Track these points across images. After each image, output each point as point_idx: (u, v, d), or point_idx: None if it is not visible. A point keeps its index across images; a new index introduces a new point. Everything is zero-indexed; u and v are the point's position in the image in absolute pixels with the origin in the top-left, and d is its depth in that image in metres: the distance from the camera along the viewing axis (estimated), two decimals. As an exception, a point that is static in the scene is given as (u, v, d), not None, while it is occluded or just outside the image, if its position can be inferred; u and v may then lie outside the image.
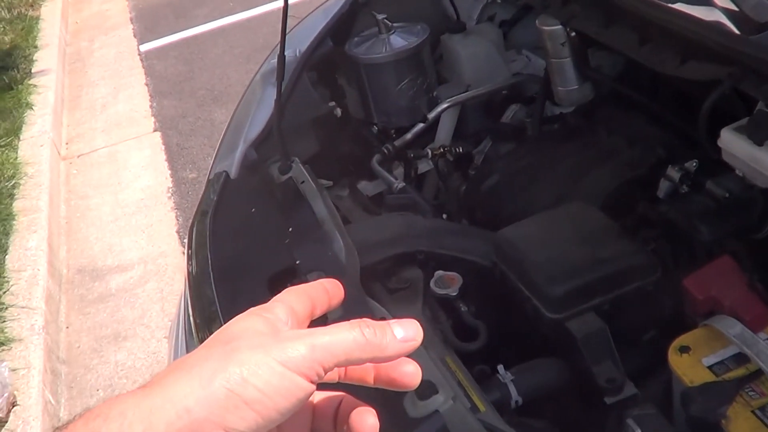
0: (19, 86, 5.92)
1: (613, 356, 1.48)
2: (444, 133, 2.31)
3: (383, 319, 1.49)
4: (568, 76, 1.98)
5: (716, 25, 1.52)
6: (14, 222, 4.31)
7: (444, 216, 2.09)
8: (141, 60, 6.56)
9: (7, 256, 4.02)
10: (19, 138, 5.24)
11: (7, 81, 5.99)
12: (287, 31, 2.22)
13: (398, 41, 2.23)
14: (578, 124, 2.10)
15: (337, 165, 2.24)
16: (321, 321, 0.68)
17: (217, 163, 2.09)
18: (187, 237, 1.94)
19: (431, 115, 2.24)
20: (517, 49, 2.45)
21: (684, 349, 1.43)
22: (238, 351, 0.58)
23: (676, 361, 1.43)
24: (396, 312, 1.62)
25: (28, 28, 7.10)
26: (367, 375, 0.67)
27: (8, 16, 7.32)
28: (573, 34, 1.90)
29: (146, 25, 7.21)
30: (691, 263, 1.69)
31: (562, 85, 2.01)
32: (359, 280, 1.61)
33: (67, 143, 5.58)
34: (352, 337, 0.61)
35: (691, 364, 1.41)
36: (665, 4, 1.61)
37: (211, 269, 1.72)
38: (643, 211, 1.79)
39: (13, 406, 3.06)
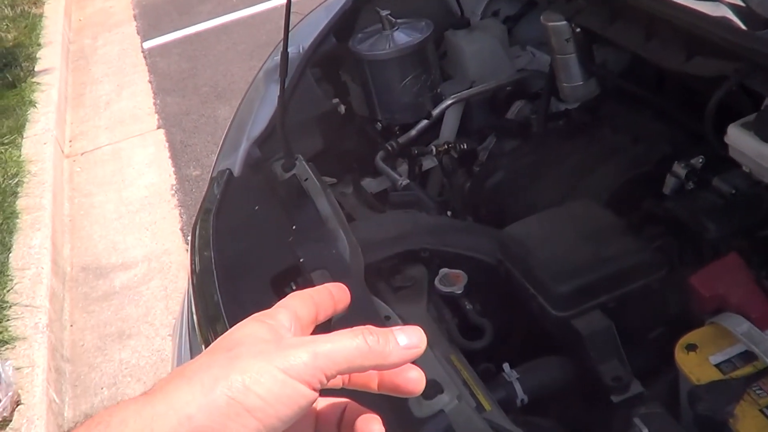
0: (23, 84, 5.91)
1: (620, 354, 1.47)
2: (448, 130, 2.30)
3: (388, 318, 1.49)
4: (573, 72, 1.97)
5: (722, 21, 1.51)
6: (18, 220, 4.30)
7: (448, 213, 2.08)
8: (144, 57, 6.55)
9: (10, 255, 4.01)
10: (22, 136, 5.23)
11: (10, 79, 5.98)
12: (290, 27, 2.22)
13: (402, 37, 2.21)
14: (583, 121, 2.09)
15: (341, 162, 2.23)
16: (326, 325, 0.67)
17: (221, 160, 2.08)
18: (190, 235, 1.93)
19: (435, 112, 2.23)
20: (522, 44, 2.44)
21: (691, 347, 1.42)
22: (240, 358, 0.58)
23: (682, 359, 1.42)
24: (401, 310, 1.61)
25: (31, 25, 7.09)
26: (371, 381, 0.66)
27: (11, 14, 7.31)
28: (578, 30, 1.89)
29: (149, 22, 7.20)
30: (697, 260, 1.68)
31: (567, 82, 2.00)
32: (364, 279, 1.60)
33: (70, 141, 5.57)
34: (355, 345, 0.60)
35: (698, 362, 1.40)
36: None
37: (214, 268, 1.71)
38: (649, 208, 1.78)
39: (18, 405, 3.06)
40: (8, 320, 3.53)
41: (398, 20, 2.25)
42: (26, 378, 3.21)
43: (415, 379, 0.65)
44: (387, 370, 0.64)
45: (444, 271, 1.67)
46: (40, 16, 7.38)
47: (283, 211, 1.82)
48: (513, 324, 1.65)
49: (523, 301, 1.58)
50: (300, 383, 0.58)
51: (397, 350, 0.62)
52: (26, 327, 3.51)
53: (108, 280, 4.08)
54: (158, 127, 5.43)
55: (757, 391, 1.30)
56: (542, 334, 1.58)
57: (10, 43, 6.71)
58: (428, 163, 2.27)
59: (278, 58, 2.22)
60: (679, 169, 1.78)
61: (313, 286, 1.48)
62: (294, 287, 1.59)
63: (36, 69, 6.25)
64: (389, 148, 2.19)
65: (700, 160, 1.77)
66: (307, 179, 1.84)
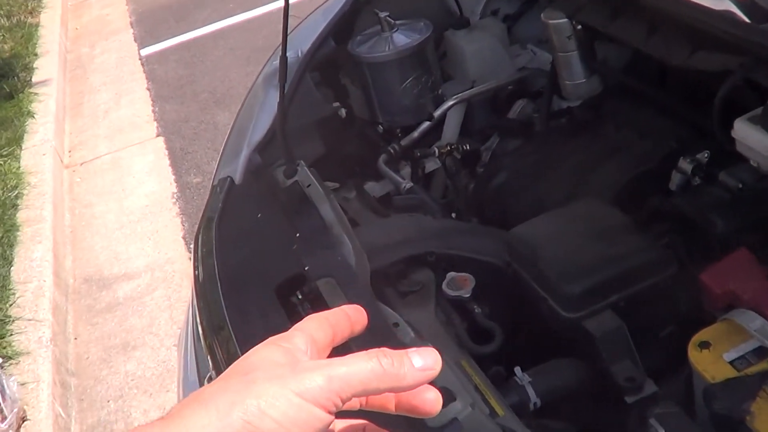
0: (20, 95, 5.89)
1: (632, 354, 1.46)
2: (450, 131, 2.28)
3: (396, 325, 1.47)
4: (575, 70, 1.95)
5: (726, 15, 1.49)
6: (18, 233, 4.28)
7: (453, 215, 2.06)
8: (142, 64, 6.54)
9: (12, 268, 3.99)
10: (21, 147, 5.21)
11: (7, 90, 5.96)
12: (288, 31, 2.20)
13: (401, 39, 2.20)
14: (586, 118, 2.07)
15: (343, 166, 2.21)
16: (344, 347, 0.66)
17: (221, 168, 2.06)
18: (193, 244, 1.90)
19: (437, 113, 2.21)
20: (522, 43, 2.42)
21: (704, 345, 1.41)
22: (255, 383, 0.59)
23: (696, 357, 1.40)
24: (408, 316, 1.59)
25: (27, 35, 7.07)
26: (388, 402, 0.66)
27: (7, 24, 7.30)
28: (579, 27, 1.87)
29: (146, 29, 7.18)
30: (705, 256, 1.67)
31: (570, 79, 1.98)
32: (370, 285, 1.58)
33: (69, 151, 5.56)
34: (370, 368, 0.61)
35: (711, 359, 1.38)
36: (673, -7, 1.58)
37: (218, 277, 1.69)
38: (656, 204, 1.76)
39: (24, 421, 3.03)
40: (11, 335, 3.50)
41: (397, 22, 2.23)
42: (31, 393, 3.18)
43: (431, 400, 0.65)
44: (402, 392, 0.64)
45: (451, 274, 1.65)
46: (37, 25, 7.36)
47: (286, 218, 1.79)
48: (522, 326, 1.63)
49: (532, 303, 1.57)
50: (315, 406, 0.58)
51: (412, 372, 0.62)
52: (30, 341, 3.48)
53: (111, 291, 4.06)
54: (157, 135, 5.40)
55: (773, 387, 1.29)
56: (552, 336, 1.57)
57: (7, 54, 6.69)
58: (431, 165, 2.26)
59: (277, 63, 2.20)
60: (685, 164, 1.76)
61: (319, 294, 1.46)
62: (300, 296, 1.57)
63: (33, 79, 6.23)
64: (392, 151, 2.17)
65: (706, 155, 1.75)
66: (309, 185, 1.82)
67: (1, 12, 7.50)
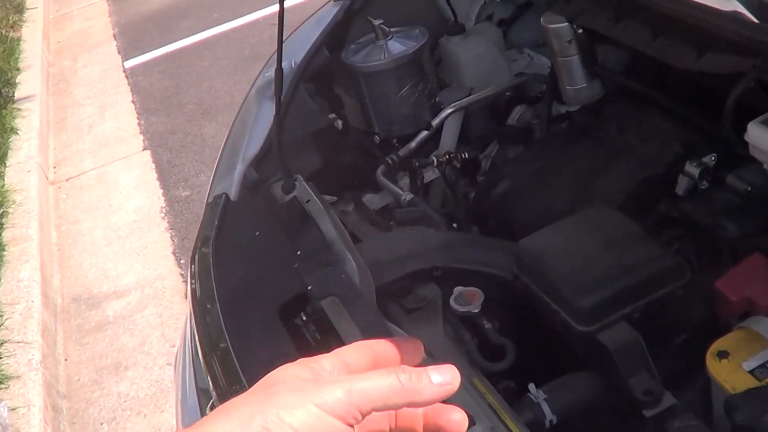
0: (3, 111, 5.81)
1: (649, 366, 1.42)
2: (449, 139, 2.23)
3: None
4: (576, 75, 1.91)
5: (734, 15, 1.45)
6: (4, 253, 4.21)
7: (454, 225, 2.01)
8: (126, 77, 6.46)
9: (-1, 290, 3.92)
10: (5, 165, 5.13)
11: (-10, 106, 5.89)
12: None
13: (397, 47, 2.15)
14: (587, 123, 2.03)
15: (340, 178, 2.16)
16: None
17: (216, 184, 2.01)
18: (189, 265, 1.85)
19: (435, 122, 2.16)
20: (518, 47, 2.38)
21: (722, 354, 1.38)
22: (277, 394, 0.60)
23: (715, 367, 1.37)
24: (416, 333, 1.54)
25: (9, 50, 6.99)
26: (416, 424, 0.68)
27: (-11, 40, 7.22)
28: (580, 31, 1.83)
29: (130, 41, 7.11)
30: (716, 262, 1.63)
31: (570, 84, 1.93)
32: (376, 303, 1.54)
33: (54, 167, 5.48)
34: (389, 383, 0.62)
35: (731, 369, 1.35)
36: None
37: (217, 299, 1.64)
38: (665, 210, 1.72)
39: (16, 448, 2.97)
40: (0, 358, 3.43)
41: (391, 29, 2.18)
42: (22, 419, 3.11)
43: (458, 421, 0.67)
44: (421, 407, 0.66)
45: (458, 289, 1.60)
46: (18, 39, 7.28)
47: (286, 236, 1.75)
48: (534, 341, 1.58)
49: (543, 316, 1.52)
50: (334, 418, 0.60)
51: (431, 388, 0.63)
52: (19, 364, 3.41)
53: (101, 310, 3.99)
54: (144, 148, 5.34)
55: (796, 397, 1.25)
56: (565, 349, 1.52)
57: (-11, 69, 6.62)
58: (430, 174, 2.21)
59: (270, 74, 2.16)
60: (692, 168, 1.72)
61: (324, 314, 1.42)
62: (304, 318, 1.52)
63: (16, 95, 6.15)
64: (390, 161, 2.12)
65: (713, 158, 1.71)
66: (308, 201, 1.77)
67: (-18, 27, 7.43)
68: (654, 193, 1.78)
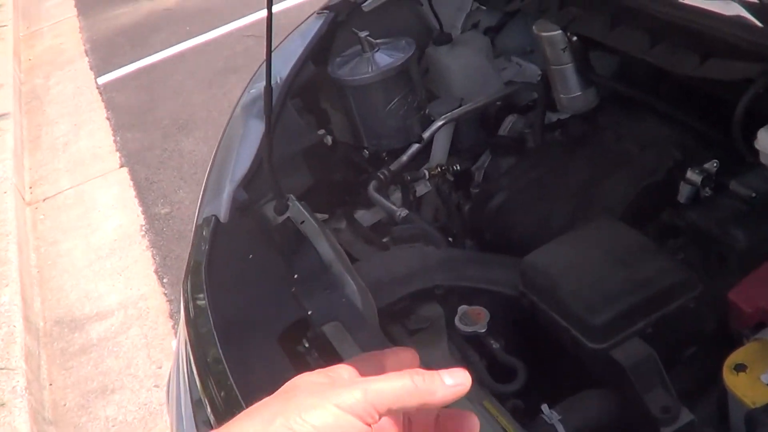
0: (-25, 131, 5.72)
1: (664, 382, 1.39)
2: (439, 152, 2.19)
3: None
4: (570, 83, 1.87)
5: (737, 20, 1.41)
6: (-16, 277, 4.13)
7: (450, 239, 1.97)
8: (100, 93, 6.37)
9: (-21, 315, 3.83)
10: (-21, 187, 5.04)
11: (-38, 127, 5.79)
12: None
13: (384, 59, 2.10)
14: (582, 131, 1.99)
15: (331, 196, 2.11)
16: None
17: (204, 207, 1.95)
18: (181, 293, 1.79)
19: (426, 135, 2.12)
20: (506, 56, 2.34)
21: (739, 368, 1.34)
22: (297, 397, 0.63)
23: (732, 381, 1.33)
24: (420, 355, 1.49)
25: (-21, 69, 6.89)
26: (429, 429, 0.72)
27: (-43, 60, 7.11)
28: (574, 38, 1.79)
29: (102, 57, 7.01)
30: (722, 271, 1.60)
31: (565, 93, 1.89)
32: (379, 327, 1.49)
33: (30, 187, 5.38)
34: (403, 383, 0.64)
35: (749, 383, 1.32)
36: (678, 0, 1.50)
37: (213, 327, 1.58)
38: (668, 219, 1.69)
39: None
40: (-16, 386, 3.36)
41: (377, 41, 2.13)
42: (9, 448, 3.04)
43: (471, 426, 0.71)
44: (435, 407, 0.67)
45: (463, 308, 1.56)
46: (-12, 58, 7.19)
47: (281, 259, 1.69)
48: (543, 359, 1.54)
49: (552, 334, 1.48)
50: (353, 417, 0.62)
51: (443, 388, 0.65)
52: (3, 392, 3.33)
53: (84, 333, 3.90)
54: (121, 166, 5.25)
55: (818, 409, 1.22)
56: (576, 367, 1.48)
57: (-41, 90, 6.51)
58: (422, 188, 2.16)
59: (254, 91, 2.11)
60: (694, 175, 1.69)
61: (326, 340, 1.37)
62: (307, 345, 1.47)
63: (-13, 115, 6.05)
64: (381, 176, 2.07)
65: (714, 164, 1.68)
66: (303, 222, 1.72)
67: (-50, 47, 7.31)
68: (655, 202, 1.75)
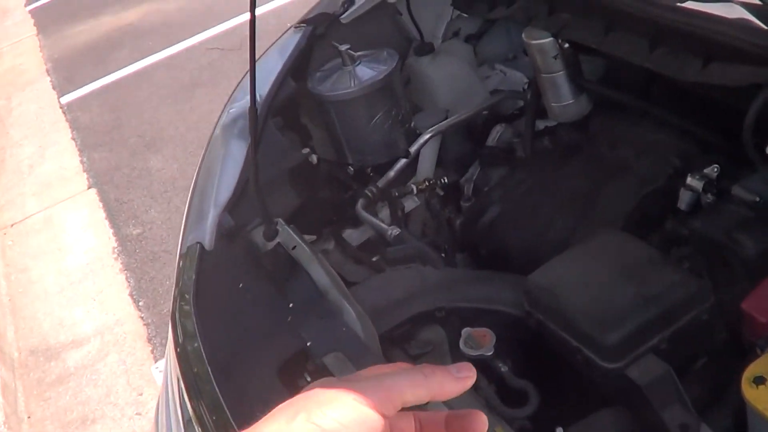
0: (-63, 158, 5.59)
1: (682, 398, 1.34)
2: (426, 165, 2.13)
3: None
4: (562, 91, 1.82)
5: (741, 23, 1.37)
6: (-46, 308, 4.01)
7: (442, 255, 1.91)
8: (64, 113, 6.25)
9: (-49, 347, 3.72)
10: (-56, 216, 4.92)
11: None
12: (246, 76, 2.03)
13: (366, 72, 2.04)
14: (573, 139, 1.94)
15: (317, 216, 2.04)
16: None
17: (187, 234, 1.86)
18: (170, 326, 1.71)
19: (414, 149, 2.05)
20: (489, 64, 2.28)
21: (759, 381, 1.29)
22: (316, 395, 0.66)
23: (752, 395, 1.28)
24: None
25: (-63, 94, 6.75)
26: (440, 428, 0.74)
27: None
28: (566, 45, 1.73)
29: (64, 76, 6.89)
30: (729, 279, 1.55)
31: (556, 101, 1.84)
32: (383, 356, 1.42)
33: (-3, 213, 5.27)
34: (415, 378, 0.68)
35: (770, 396, 1.27)
36: (677, 4, 1.46)
37: (207, 363, 1.50)
38: (672, 227, 1.64)
39: None
40: (-39, 423, 3.25)
41: (358, 53, 2.07)
42: (-10, 486, 2.94)
43: (479, 421, 0.73)
44: (445, 399, 0.70)
45: (467, 331, 1.49)
46: (-54, 82, 7.04)
47: (274, 287, 1.62)
48: (553, 380, 1.48)
49: (562, 354, 1.42)
50: (372, 409, 0.65)
51: (452, 381, 0.69)
52: (-19, 427, 3.23)
53: (60, 362, 3.80)
54: (89, 187, 5.15)
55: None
56: (589, 387, 1.43)
57: None
58: (410, 203, 2.10)
59: (234, 111, 2.05)
60: (695, 181, 1.64)
61: (328, 372, 1.30)
62: (309, 378, 1.40)
63: (-52, 143, 5.92)
64: (369, 194, 2.01)
65: (715, 170, 1.64)
66: (295, 247, 1.65)
67: None
68: (656, 210, 1.70)
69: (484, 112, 2.12)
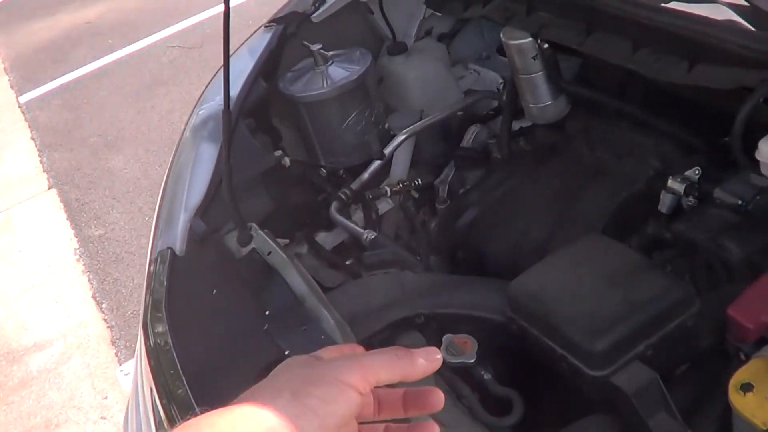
0: None
1: (668, 406, 1.32)
2: (400, 167, 2.10)
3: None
4: (541, 92, 1.80)
5: (729, 24, 1.35)
6: None
7: (417, 258, 1.87)
8: (22, 112, 6.12)
9: None
10: None
11: None
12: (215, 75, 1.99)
13: (339, 72, 2.00)
14: (552, 141, 1.92)
15: (289, 218, 1.99)
16: None
17: (158, 239, 1.81)
18: (142, 336, 1.65)
19: (388, 150, 2.02)
20: (463, 63, 2.25)
21: (746, 387, 1.28)
22: (300, 374, 0.71)
23: (740, 402, 1.27)
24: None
25: None
26: (397, 408, 0.80)
27: None
28: (546, 45, 1.71)
29: (23, 74, 6.75)
30: (711, 283, 1.54)
31: (535, 102, 1.82)
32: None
33: (-45, 215, 5.14)
34: (389, 358, 0.74)
35: (758, 403, 1.25)
36: (661, 4, 1.43)
37: (181, 372, 1.46)
38: (654, 231, 1.62)
39: None
40: None
41: (330, 53, 2.03)
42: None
43: (436, 398, 0.78)
44: (415, 379, 0.75)
45: (448, 337, 1.45)
46: None
47: (249, 294, 1.58)
48: (536, 387, 1.45)
49: (546, 361, 1.39)
50: (350, 387, 0.69)
51: (420, 363, 0.75)
52: (-58, 435, 3.15)
53: (23, 365, 3.71)
54: (50, 187, 5.04)
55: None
56: (574, 394, 1.40)
57: None
58: (384, 206, 2.07)
59: (204, 112, 2.00)
60: (676, 184, 1.63)
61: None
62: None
63: None
64: (343, 196, 1.97)
65: (697, 172, 1.62)
66: (270, 253, 1.61)
67: None
68: (636, 213, 1.69)
69: (459, 113, 2.09)
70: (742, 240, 1.45)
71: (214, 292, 1.62)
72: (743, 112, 1.30)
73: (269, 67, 2.07)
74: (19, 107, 6.22)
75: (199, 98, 2.08)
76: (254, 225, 1.68)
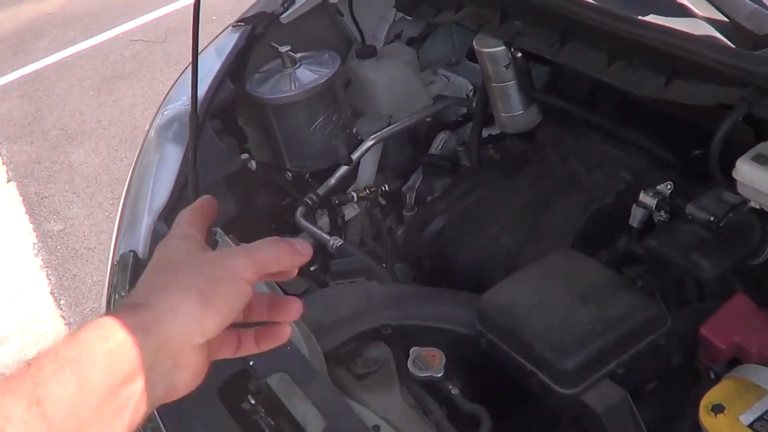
0: None
1: (638, 425, 1.31)
2: (367, 173, 2.07)
3: (377, 428, 1.26)
4: (512, 101, 1.77)
5: (708, 40, 1.33)
6: None
7: (383, 265, 1.84)
8: (-19, 104, 6.01)
9: None
10: None
11: None
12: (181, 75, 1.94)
13: (307, 75, 1.97)
14: (522, 150, 1.90)
15: (253, 222, 1.95)
16: None
17: (120, 242, 1.77)
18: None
19: (356, 156, 1.99)
20: (433, 68, 2.22)
21: (717, 409, 1.28)
22: (201, 271, 0.73)
23: (711, 423, 1.27)
24: (373, 402, 1.37)
25: None
26: (261, 315, 0.83)
27: None
28: (519, 54, 1.68)
29: (-19, 65, 6.63)
30: (682, 301, 1.53)
31: (506, 111, 1.79)
32: (328, 375, 1.36)
33: None
34: (274, 249, 0.77)
35: (728, 424, 1.25)
36: (638, 17, 1.41)
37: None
38: (625, 245, 1.60)
39: None
40: None
41: (298, 55, 2.00)
42: None
43: (297, 306, 0.83)
44: (294, 267, 0.79)
45: (416, 350, 1.43)
46: None
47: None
48: (504, 403, 1.43)
49: (515, 377, 1.37)
50: (245, 282, 0.73)
51: (298, 253, 0.77)
52: None
53: (-22, 362, 3.64)
54: (8, 180, 4.93)
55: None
56: (543, 412, 1.38)
57: None
58: (350, 211, 2.04)
59: (168, 113, 1.96)
60: (648, 198, 1.61)
61: (273, 394, 1.24)
62: (253, 401, 1.32)
63: None
64: (309, 201, 1.93)
65: (669, 187, 1.60)
66: (235, 259, 1.56)
67: None
68: (606, 227, 1.66)
69: (428, 119, 2.06)
70: (713, 257, 1.43)
71: (177, 298, 1.58)
72: (722, 131, 1.28)
73: (237, 67, 2.03)
74: (-22, 99, 6.10)
75: (165, 98, 2.03)
76: (218, 230, 1.63)
